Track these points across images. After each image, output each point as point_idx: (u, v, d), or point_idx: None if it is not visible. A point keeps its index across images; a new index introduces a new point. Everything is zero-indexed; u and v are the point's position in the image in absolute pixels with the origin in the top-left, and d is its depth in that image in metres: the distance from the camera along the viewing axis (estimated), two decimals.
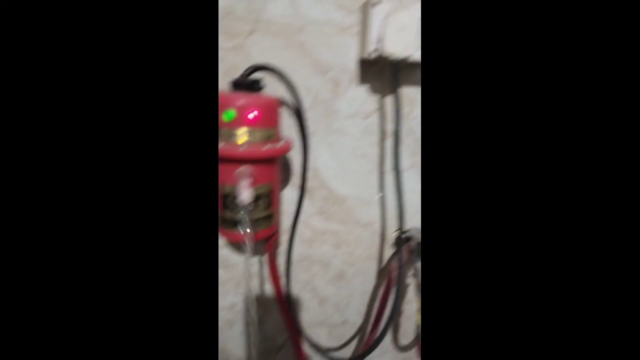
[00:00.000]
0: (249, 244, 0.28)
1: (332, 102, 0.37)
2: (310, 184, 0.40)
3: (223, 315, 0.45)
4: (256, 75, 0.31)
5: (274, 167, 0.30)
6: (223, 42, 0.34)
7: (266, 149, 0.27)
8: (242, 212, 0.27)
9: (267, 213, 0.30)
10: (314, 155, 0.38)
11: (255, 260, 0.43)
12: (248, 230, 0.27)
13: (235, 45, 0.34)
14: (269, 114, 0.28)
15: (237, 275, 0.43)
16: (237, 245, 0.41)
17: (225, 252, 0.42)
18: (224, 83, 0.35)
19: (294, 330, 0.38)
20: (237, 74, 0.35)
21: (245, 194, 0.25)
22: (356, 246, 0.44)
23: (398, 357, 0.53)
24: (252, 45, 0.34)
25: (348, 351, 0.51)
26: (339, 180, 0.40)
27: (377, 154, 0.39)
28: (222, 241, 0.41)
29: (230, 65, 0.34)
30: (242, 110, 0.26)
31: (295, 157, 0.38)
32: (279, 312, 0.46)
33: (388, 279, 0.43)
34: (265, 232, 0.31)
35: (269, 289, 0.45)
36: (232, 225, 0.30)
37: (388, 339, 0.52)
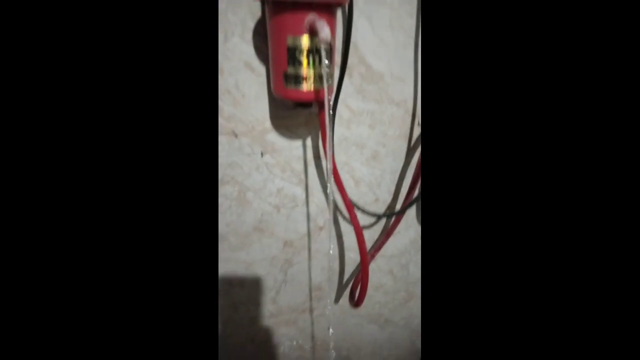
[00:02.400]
0: (327, 98, 0.31)
1: None
2: (349, 61, 0.41)
3: (270, 200, 0.50)
4: None
5: (334, 20, 0.32)
6: None
7: None
8: (324, 60, 0.28)
9: (329, 70, 0.33)
10: (352, 28, 0.40)
11: (298, 144, 0.46)
12: (327, 82, 0.30)
13: None
14: None
15: (282, 160, 0.47)
16: (286, 127, 0.44)
17: (271, 137, 0.44)
18: None
19: (349, 202, 0.44)
20: None
21: (326, 29, 0.27)
22: (389, 126, 0.48)
23: (420, 231, 0.62)
24: None
25: (379, 227, 0.59)
26: (377, 56, 0.42)
27: (413, 25, 0.41)
28: (267, 126, 0.43)
29: None
30: None
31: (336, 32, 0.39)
32: (322, 193, 0.51)
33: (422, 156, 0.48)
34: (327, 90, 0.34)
35: (312, 172, 0.49)
36: (296, 82, 0.32)
37: (412, 214, 0.60)
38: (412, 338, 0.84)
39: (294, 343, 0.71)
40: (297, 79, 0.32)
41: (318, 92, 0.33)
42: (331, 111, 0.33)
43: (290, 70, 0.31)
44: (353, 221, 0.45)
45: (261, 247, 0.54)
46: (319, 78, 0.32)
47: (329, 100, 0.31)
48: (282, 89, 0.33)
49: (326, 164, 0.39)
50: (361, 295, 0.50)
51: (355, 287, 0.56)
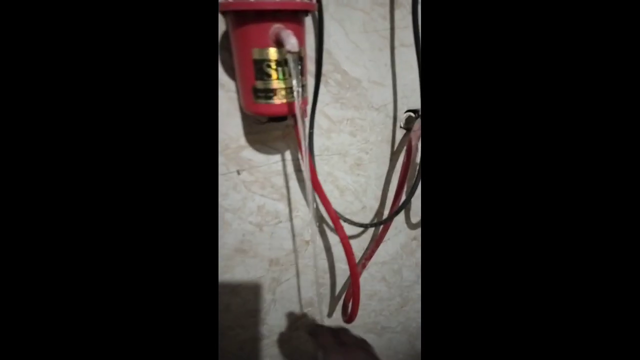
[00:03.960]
0: (299, 112, 0.28)
1: None
2: (324, 68, 0.39)
3: (251, 219, 0.47)
4: None
5: (302, 28, 0.29)
6: None
7: (300, 0, 0.26)
8: (293, 72, 0.26)
9: (299, 83, 0.30)
10: (325, 34, 0.37)
11: (277, 158, 0.43)
12: (299, 89, 0.27)
13: None
14: None
15: (261, 176, 0.44)
16: (262, 142, 0.41)
17: (247, 153, 0.42)
18: None
19: (334, 214, 0.41)
20: None
21: (293, 40, 0.24)
22: (371, 132, 0.46)
23: (410, 234, 0.61)
24: None
25: (368, 235, 0.57)
26: (352, 61, 0.40)
27: (388, 27, 0.39)
28: (242, 143, 0.41)
29: None
30: None
31: (307, 39, 0.37)
32: (306, 207, 0.49)
33: (406, 160, 0.46)
34: (301, 104, 0.31)
35: (294, 186, 0.47)
36: (267, 96, 0.30)
37: (401, 219, 0.58)
38: (410, 341, 0.83)
39: None
40: (268, 93, 0.29)
41: (291, 104, 0.30)
42: (306, 123, 0.30)
43: (259, 84, 0.29)
44: (340, 234, 0.43)
45: (245, 269, 0.51)
46: (290, 90, 0.30)
47: (301, 115, 0.29)
48: (253, 104, 0.30)
49: (306, 179, 0.36)
50: (353, 311, 0.48)
51: (347, 300, 0.54)
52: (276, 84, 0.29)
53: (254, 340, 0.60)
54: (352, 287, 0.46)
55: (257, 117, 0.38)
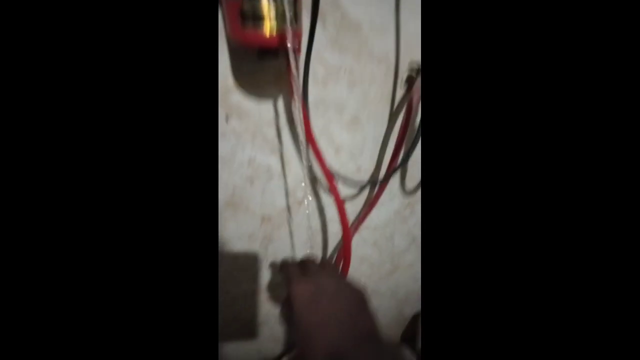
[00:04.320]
0: (290, 41, 0.25)
1: None
2: (321, 6, 0.36)
3: (242, 171, 0.45)
4: None
5: None
6: None
7: None
8: None
9: (293, 9, 0.27)
10: None
11: (269, 106, 0.41)
12: (290, 15, 0.25)
13: None
14: None
15: (252, 125, 0.42)
16: (252, 85, 0.39)
17: (236, 98, 0.39)
18: None
19: (328, 172, 0.40)
20: None
21: None
22: (370, 86, 0.43)
23: (404, 201, 0.59)
24: None
25: (361, 198, 0.56)
26: (353, 1, 0.37)
27: None
28: (229, 83, 0.38)
29: None
30: None
31: None
32: (300, 163, 0.47)
33: (405, 121, 0.44)
34: (295, 37, 0.28)
35: (286, 140, 0.45)
36: (255, 21, 0.27)
37: (396, 184, 0.57)
38: (399, 307, 0.84)
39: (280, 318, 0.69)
40: (256, 18, 0.27)
41: (283, 37, 0.28)
42: (300, 64, 0.28)
43: (247, 6, 0.26)
44: (333, 193, 0.41)
45: (236, 224, 0.50)
46: (282, 19, 0.27)
47: (294, 49, 0.26)
48: (240, 31, 0.28)
49: (300, 131, 0.34)
50: (343, 272, 0.47)
51: (338, 261, 0.54)
52: (266, 8, 0.26)
53: (245, 295, 0.60)
54: (344, 248, 0.45)
55: (246, 50, 0.35)
